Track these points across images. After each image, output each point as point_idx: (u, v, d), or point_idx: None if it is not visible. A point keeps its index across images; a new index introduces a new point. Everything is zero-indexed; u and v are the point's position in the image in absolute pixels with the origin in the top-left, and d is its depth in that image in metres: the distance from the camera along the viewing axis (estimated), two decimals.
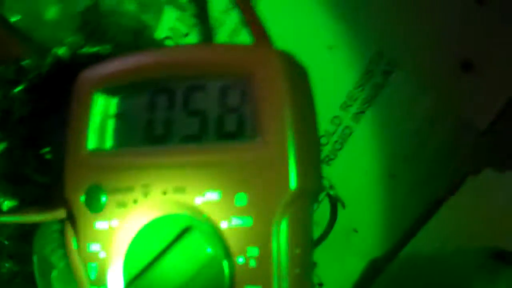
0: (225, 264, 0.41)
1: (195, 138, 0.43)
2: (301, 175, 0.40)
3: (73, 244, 0.44)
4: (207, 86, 0.43)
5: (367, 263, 0.60)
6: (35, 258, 0.43)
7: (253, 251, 0.40)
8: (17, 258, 0.46)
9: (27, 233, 0.45)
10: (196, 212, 0.41)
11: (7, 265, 0.45)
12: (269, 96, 0.41)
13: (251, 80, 0.41)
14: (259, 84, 0.41)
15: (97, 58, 0.48)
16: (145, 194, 0.42)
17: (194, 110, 0.43)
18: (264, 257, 0.40)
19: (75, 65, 0.47)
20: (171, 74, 0.44)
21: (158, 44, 0.55)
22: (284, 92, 0.41)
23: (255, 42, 0.47)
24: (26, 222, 0.45)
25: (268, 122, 0.40)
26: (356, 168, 0.60)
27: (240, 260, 0.40)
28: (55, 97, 0.49)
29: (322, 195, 0.58)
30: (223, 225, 0.41)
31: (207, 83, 0.43)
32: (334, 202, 0.57)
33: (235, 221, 0.40)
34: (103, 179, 0.44)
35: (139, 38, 0.54)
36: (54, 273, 0.43)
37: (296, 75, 0.43)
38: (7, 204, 0.47)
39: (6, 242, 0.46)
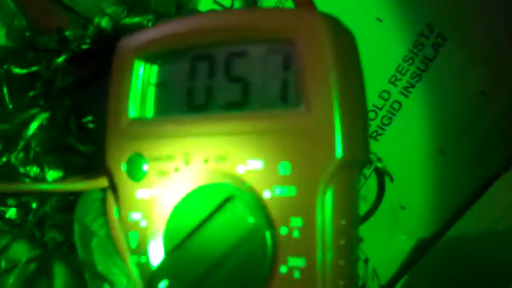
0: (268, 234, 0.39)
1: (237, 105, 0.42)
2: (347, 143, 0.39)
3: (114, 212, 0.44)
4: (249, 52, 0.42)
5: (414, 242, 0.58)
6: (76, 226, 0.43)
7: (297, 221, 0.39)
8: (62, 228, 0.46)
9: (71, 203, 0.45)
10: (238, 181, 0.40)
11: (51, 234, 0.45)
12: (313, 61, 0.39)
13: (294, 45, 0.40)
14: (302, 48, 0.39)
15: (138, 29, 0.47)
16: (187, 162, 0.42)
17: (236, 77, 0.42)
18: (308, 228, 0.38)
19: (116, 36, 0.47)
20: (212, 40, 0.42)
21: None
22: (329, 57, 0.39)
23: (297, 7, 0.45)
24: (69, 191, 0.45)
25: (312, 88, 0.39)
26: (405, 144, 0.58)
27: (283, 230, 0.39)
28: (97, 67, 0.49)
29: (370, 170, 0.56)
30: (266, 194, 0.40)
31: (249, 49, 0.42)
32: (382, 175, 0.55)
33: (278, 190, 0.39)
34: (144, 147, 0.43)
35: (182, 11, 0.53)
36: (95, 241, 0.43)
37: (342, 39, 0.41)
38: (52, 174, 0.47)
39: (49, 210, 0.46)
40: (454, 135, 0.58)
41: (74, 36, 0.49)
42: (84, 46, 0.49)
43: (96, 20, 0.50)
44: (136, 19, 0.50)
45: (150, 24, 0.50)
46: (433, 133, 0.58)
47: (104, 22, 0.50)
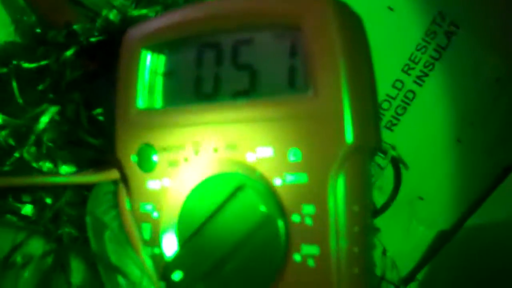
0: (280, 222, 0.39)
1: (245, 93, 0.41)
2: (357, 128, 0.38)
3: (126, 204, 0.43)
4: (256, 39, 0.41)
5: (433, 232, 0.58)
6: (88, 219, 0.43)
7: (309, 208, 0.38)
8: (77, 223, 0.45)
9: (85, 198, 0.45)
10: (249, 169, 0.40)
11: (66, 229, 0.45)
12: (320, 46, 0.38)
13: (301, 30, 0.39)
14: (310, 33, 0.39)
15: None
16: (196, 152, 0.41)
17: (243, 64, 0.42)
18: (321, 215, 0.38)
19: (125, 28, 0.47)
20: (219, 27, 0.42)
21: None
22: (337, 41, 0.38)
23: None
24: (80, 183, 0.45)
25: (320, 73, 0.38)
26: (420, 134, 0.58)
27: (296, 218, 0.38)
28: (106, 59, 0.49)
29: (386, 161, 0.56)
30: (277, 182, 0.39)
31: (256, 35, 0.41)
32: (398, 166, 0.55)
33: (289, 178, 0.39)
34: (153, 138, 0.43)
35: (189, 1, 0.53)
36: (108, 234, 0.43)
37: (350, 23, 0.41)
38: (65, 168, 0.47)
39: (63, 206, 0.46)
40: (470, 124, 0.57)
41: (83, 29, 0.49)
42: (93, 39, 0.49)
43: (104, 13, 0.50)
44: (144, 11, 0.50)
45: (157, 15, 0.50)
46: (449, 122, 0.57)
47: (112, 15, 0.50)
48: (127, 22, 0.49)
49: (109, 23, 0.49)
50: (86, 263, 0.44)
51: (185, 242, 0.41)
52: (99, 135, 0.48)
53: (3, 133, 0.46)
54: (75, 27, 0.49)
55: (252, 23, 0.41)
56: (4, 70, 0.48)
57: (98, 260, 0.42)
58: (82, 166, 0.47)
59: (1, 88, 0.48)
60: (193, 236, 0.41)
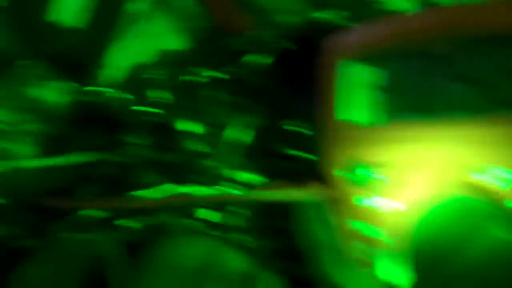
0: None
1: (471, 107, 0.38)
2: None
3: (340, 222, 0.42)
4: (481, 48, 0.38)
5: None
6: (301, 237, 0.41)
7: None
8: (275, 235, 0.43)
9: (283, 209, 0.43)
10: (485, 193, 0.37)
11: (262, 242, 0.43)
12: None
13: None
14: None
15: (330, 27, 0.45)
16: (420, 172, 0.39)
17: (467, 76, 0.39)
18: None
19: (308, 34, 0.45)
20: (444, 37, 0.39)
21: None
22: None
23: None
24: (286, 200, 0.42)
25: None
26: None
27: None
28: (295, 67, 0.47)
29: None
30: None
31: (479, 44, 0.38)
32: None
33: None
34: (367, 153, 0.41)
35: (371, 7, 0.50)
36: (323, 253, 0.41)
37: None
38: (257, 179, 0.44)
39: (257, 215, 0.43)
40: None
41: (263, 36, 0.47)
42: (277, 46, 0.47)
43: (285, 18, 0.48)
44: (328, 16, 0.47)
45: (344, 21, 0.48)
46: None
47: (293, 20, 0.48)
48: (311, 28, 0.47)
49: (290, 29, 0.47)
50: (286, 279, 0.41)
51: (424, 271, 0.38)
52: (295, 147, 0.45)
53: (191, 141, 0.45)
54: (257, 33, 0.47)
55: (484, 32, 0.38)
56: (196, 78, 0.46)
57: (318, 281, 0.40)
58: (276, 177, 0.45)
59: (188, 96, 0.46)
60: (433, 265, 0.37)
